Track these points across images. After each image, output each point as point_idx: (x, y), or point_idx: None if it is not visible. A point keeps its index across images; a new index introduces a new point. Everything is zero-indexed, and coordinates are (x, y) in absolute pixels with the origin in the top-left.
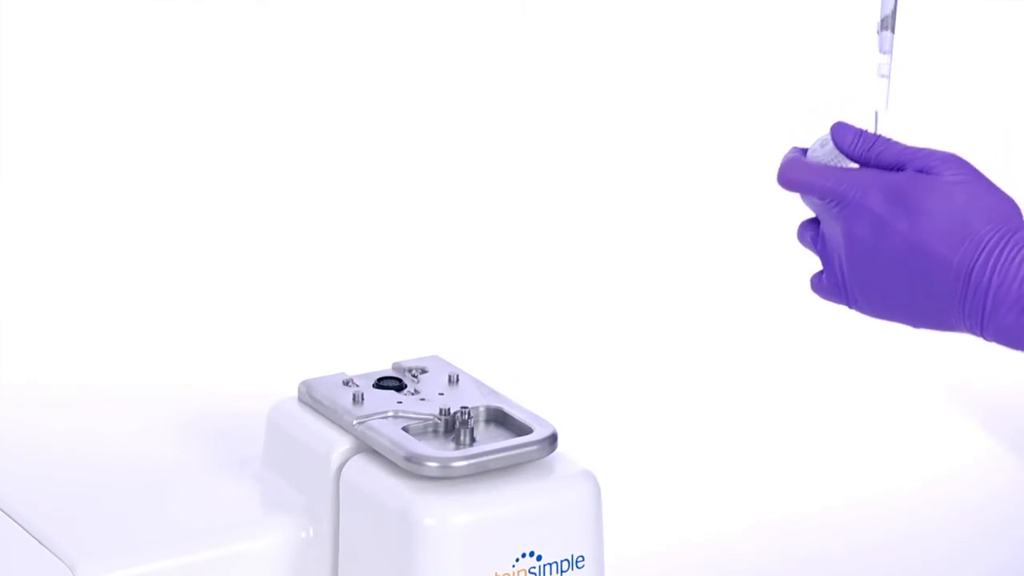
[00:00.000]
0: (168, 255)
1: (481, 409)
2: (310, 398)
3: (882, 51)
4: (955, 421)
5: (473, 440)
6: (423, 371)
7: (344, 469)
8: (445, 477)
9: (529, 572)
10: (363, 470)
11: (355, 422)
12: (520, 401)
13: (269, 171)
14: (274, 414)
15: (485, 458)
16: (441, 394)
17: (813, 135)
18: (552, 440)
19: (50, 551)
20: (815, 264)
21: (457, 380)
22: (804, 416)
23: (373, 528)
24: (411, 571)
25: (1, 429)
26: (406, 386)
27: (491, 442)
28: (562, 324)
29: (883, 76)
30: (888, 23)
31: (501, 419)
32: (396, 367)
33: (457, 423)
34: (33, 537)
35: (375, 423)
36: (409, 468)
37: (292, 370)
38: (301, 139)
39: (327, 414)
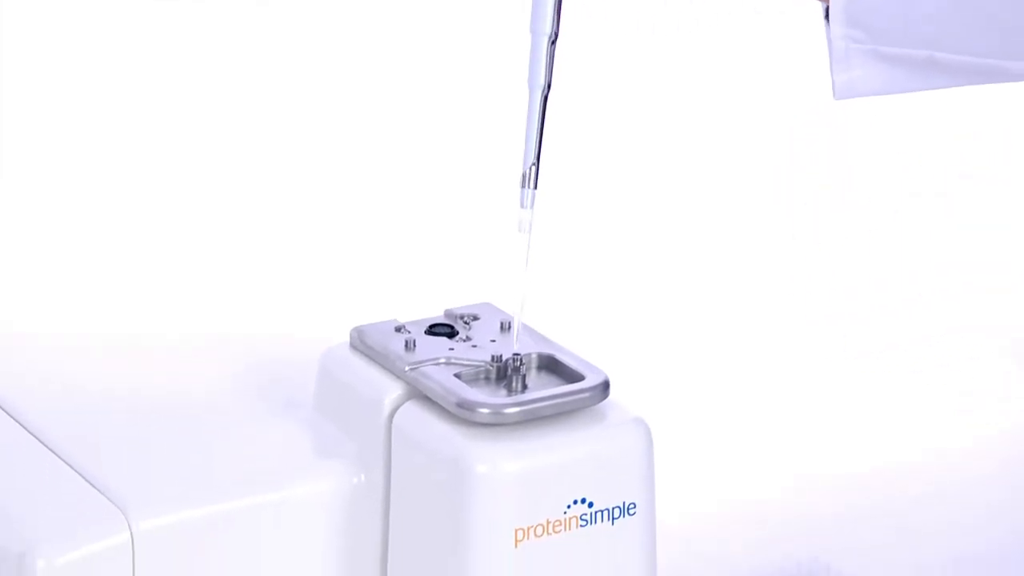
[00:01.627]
0: (220, 202)
1: (533, 356)
2: (362, 344)
3: (523, 206)
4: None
5: (525, 387)
6: (475, 318)
7: (396, 415)
8: (497, 424)
9: (581, 519)
10: (415, 416)
11: (407, 368)
12: (572, 348)
13: (325, 120)
14: (326, 360)
15: (537, 405)
16: (493, 341)
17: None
18: (604, 387)
19: (103, 495)
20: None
21: (509, 327)
22: (865, 369)
23: (425, 474)
24: (463, 517)
25: (56, 376)
26: (458, 333)
27: (543, 389)
28: (614, 271)
29: (523, 232)
30: (528, 179)
31: (553, 366)
32: (448, 314)
33: (509, 370)
34: (87, 481)
35: (427, 369)
36: (461, 414)
37: (344, 316)
38: (353, 91)
39: (379, 360)
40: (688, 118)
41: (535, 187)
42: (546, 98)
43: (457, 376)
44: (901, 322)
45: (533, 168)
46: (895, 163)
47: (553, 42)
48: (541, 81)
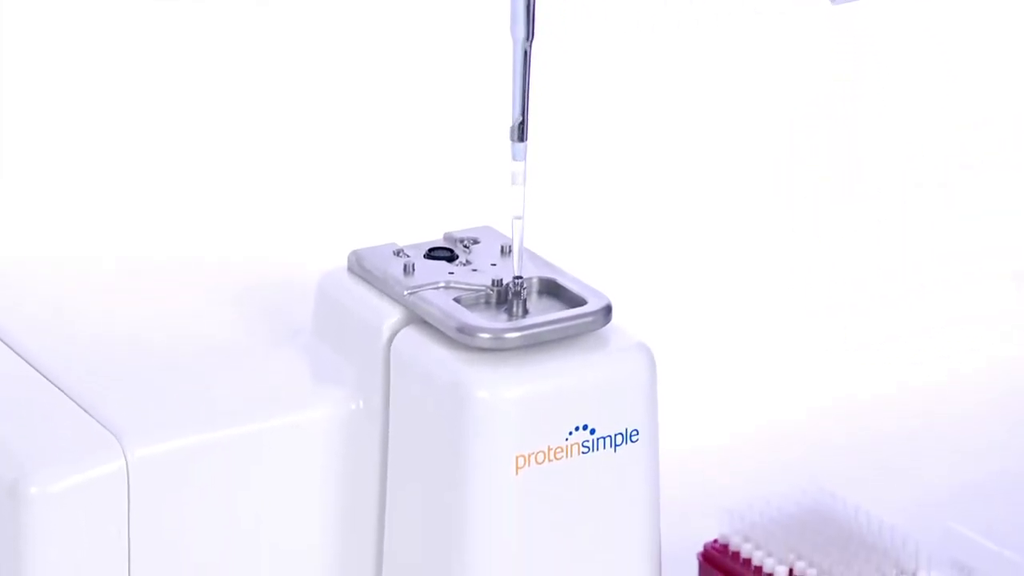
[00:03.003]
0: (216, 124)
1: (534, 280)
2: (360, 268)
3: (515, 159)
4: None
5: (526, 311)
6: (475, 241)
7: (395, 340)
8: (498, 349)
9: (582, 446)
10: (414, 341)
11: (406, 293)
12: (574, 272)
13: (322, 45)
14: (324, 284)
15: (538, 330)
16: (493, 265)
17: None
18: (607, 312)
19: (98, 421)
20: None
21: (510, 251)
22: (868, 298)
23: (424, 400)
24: (463, 444)
25: (49, 301)
26: (458, 257)
27: (544, 313)
28: (617, 193)
29: (517, 184)
30: (518, 133)
31: (555, 290)
32: (447, 237)
33: (510, 294)
34: (81, 408)
35: (426, 294)
36: (461, 339)
37: (342, 240)
38: (350, 20)
39: (377, 284)
40: (688, 116)
41: (524, 139)
42: (529, 47)
43: (457, 300)
44: (902, 313)
45: (520, 122)
46: (896, 155)
47: None
48: (522, 32)
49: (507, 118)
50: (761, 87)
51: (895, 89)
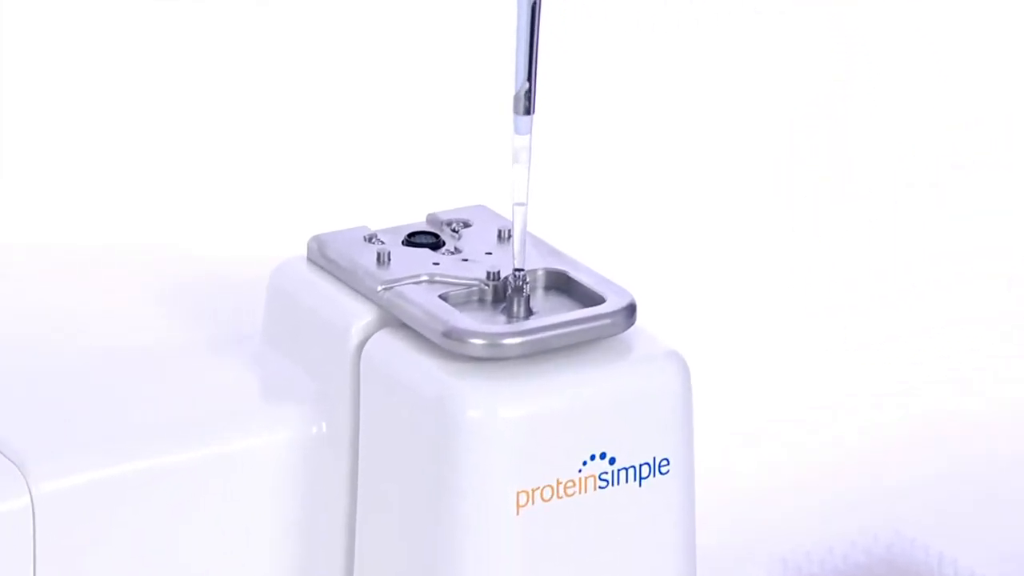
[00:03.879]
0: (156, 90)
1: (540, 273)
2: (323, 258)
3: (518, 133)
4: None
5: (529, 312)
6: (465, 225)
7: (366, 347)
8: (494, 358)
9: (599, 479)
10: (390, 348)
11: (380, 288)
12: (589, 263)
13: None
14: (278, 278)
15: (545, 334)
16: (489, 253)
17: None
18: (629, 312)
19: None
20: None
21: (508, 236)
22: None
23: (402, 421)
24: (450, 476)
25: None
26: (444, 243)
27: (552, 314)
28: (639, 168)
29: (520, 163)
30: (523, 103)
31: (565, 285)
32: (431, 220)
33: (509, 290)
34: None
35: (405, 290)
36: (448, 346)
37: (300, 223)
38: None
39: (344, 278)
40: (687, 116)
41: (531, 112)
42: (538, 1)
43: (443, 298)
44: (901, 313)
45: (527, 90)
46: (893, 155)
47: None
48: None
49: (507, 80)
50: (760, 88)
51: (906, 88)
